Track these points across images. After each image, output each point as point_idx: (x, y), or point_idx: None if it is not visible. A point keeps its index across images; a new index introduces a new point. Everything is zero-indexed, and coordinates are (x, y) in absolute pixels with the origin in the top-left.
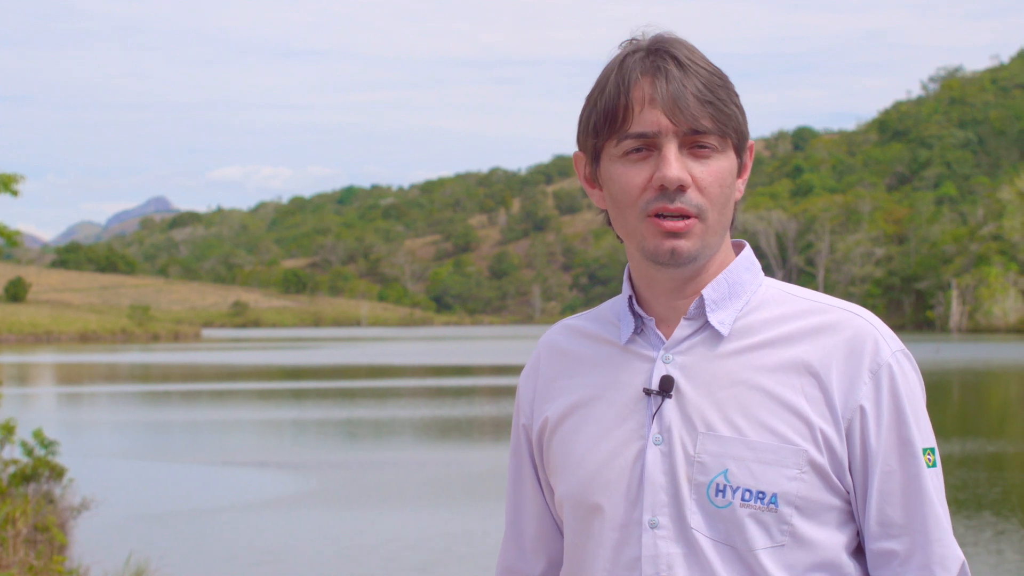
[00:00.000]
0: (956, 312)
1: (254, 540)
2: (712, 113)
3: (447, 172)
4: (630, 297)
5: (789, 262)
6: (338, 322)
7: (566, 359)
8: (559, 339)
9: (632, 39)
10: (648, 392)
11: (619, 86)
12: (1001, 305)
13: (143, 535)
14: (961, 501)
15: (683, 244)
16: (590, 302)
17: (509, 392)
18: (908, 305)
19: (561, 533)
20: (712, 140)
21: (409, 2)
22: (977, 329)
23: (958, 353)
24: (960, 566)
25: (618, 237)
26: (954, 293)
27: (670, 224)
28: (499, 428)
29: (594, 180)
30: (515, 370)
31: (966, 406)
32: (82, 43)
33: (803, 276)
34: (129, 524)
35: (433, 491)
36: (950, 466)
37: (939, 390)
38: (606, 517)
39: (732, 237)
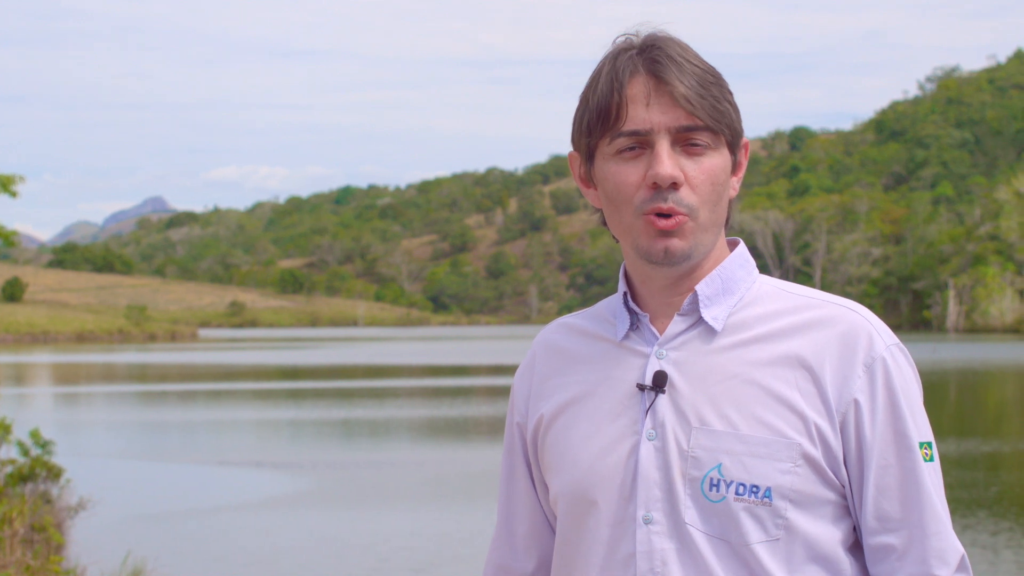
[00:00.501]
0: (953, 312)
1: (251, 540)
2: (705, 110)
3: (444, 172)
4: (625, 294)
5: (786, 262)
6: (335, 322)
7: (561, 357)
8: (554, 337)
9: (625, 38)
10: (641, 387)
11: (611, 84)
12: (998, 305)
13: (140, 535)
14: (957, 501)
15: (676, 243)
16: (587, 302)
17: (506, 392)
18: (905, 305)
19: (553, 531)
20: (705, 137)
21: (406, 2)
22: (974, 329)
23: (955, 353)
24: (959, 559)
25: (613, 236)
26: (951, 293)
27: (663, 223)
28: (496, 428)
29: (589, 179)
30: (512, 370)
31: (963, 406)
32: (80, 43)
33: (800, 276)
34: (126, 524)
35: (430, 491)
36: (946, 466)
37: (936, 390)
38: (600, 513)
39: (728, 236)
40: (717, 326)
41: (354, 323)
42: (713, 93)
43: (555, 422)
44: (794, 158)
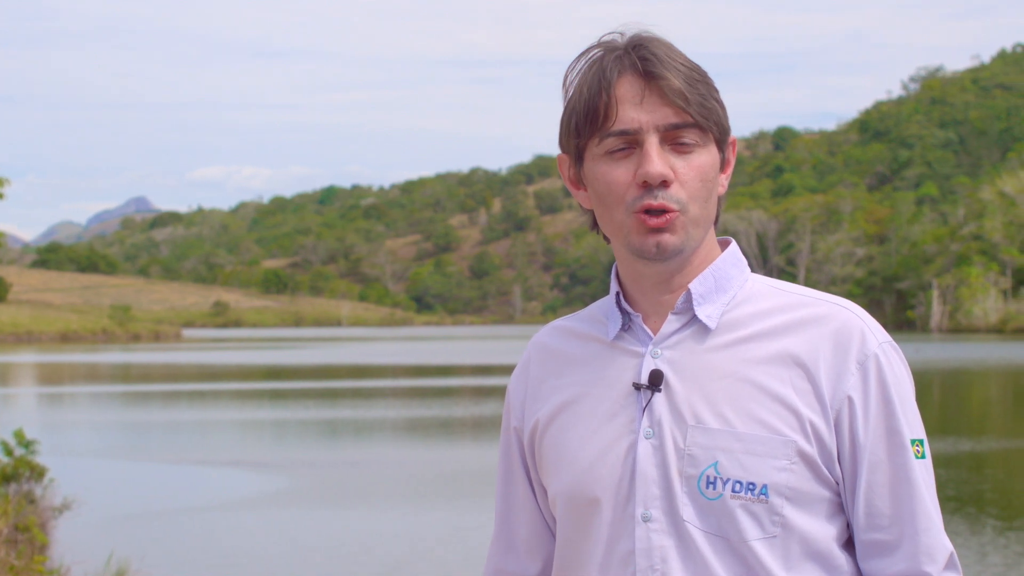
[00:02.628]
0: (937, 312)
1: (235, 540)
2: (692, 108)
3: (428, 172)
4: (617, 294)
5: (770, 262)
6: (319, 322)
7: (556, 359)
8: (548, 340)
9: (610, 38)
10: (638, 386)
11: (599, 84)
12: (982, 305)
13: (124, 535)
14: (942, 500)
15: (667, 238)
16: (571, 302)
17: (490, 392)
18: (889, 305)
19: (554, 534)
20: (693, 135)
21: (391, 2)
22: (958, 329)
23: (939, 353)
24: (948, 556)
25: (604, 238)
26: (935, 293)
27: (654, 221)
28: (480, 428)
29: (579, 181)
30: (496, 370)
31: (946, 405)
32: (64, 43)
33: (784, 276)
34: (110, 524)
35: (413, 491)
36: (932, 465)
37: (920, 390)
38: (600, 512)
39: (716, 235)
40: (711, 324)
41: (338, 323)
42: (700, 91)
43: (552, 424)
44: (778, 158)
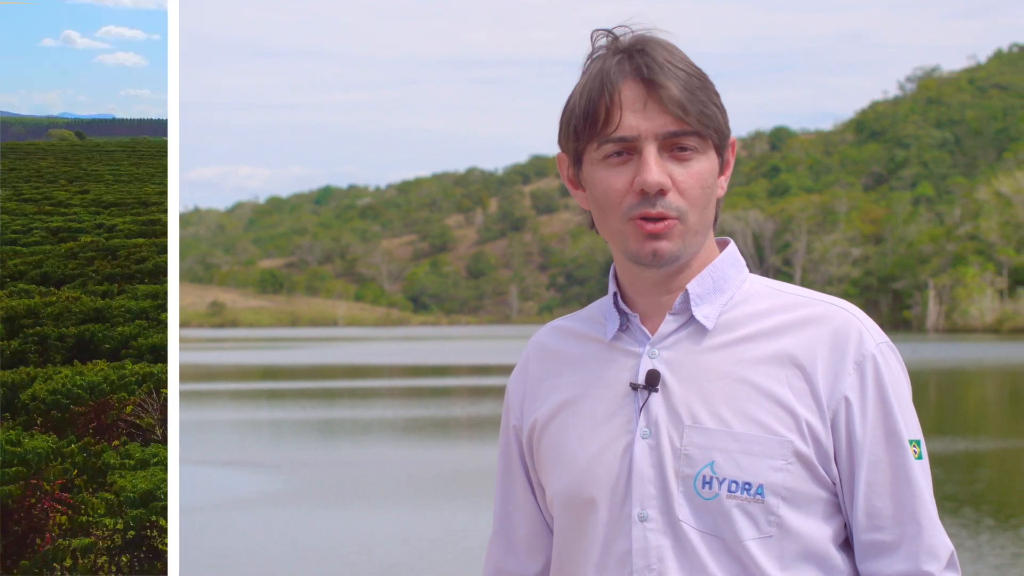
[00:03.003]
0: (933, 312)
1: (233, 540)
2: (692, 115)
3: (424, 172)
4: (615, 294)
5: (766, 262)
6: (315, 322)
7: (554, 359)
8: (547, 340)
9: (612, 38)
10: (635, 387)
11: (598, 89)
12: (978, 305)
13: None
14: (937, 499)
15: (664, 245)
16: (568, 302)
17: (487, 392)
18: (885, 305)
19: (552, 533)
20: (693, 142)
21: (388, 2)
22: (954, 329)
23: (935, 353)
24: (949, 555)
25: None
26: (931, 293)
27: (651, 227)
28: (477, 428)
29: (577, 182)
30: (493, 370)
31: (943, 405)
32: None
33: (780, 276)
34: None
35: (409, 492)
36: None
37: (916, 389)
38: (597, 512)
39: (715, 236)
40: (708, 324)
41: (334, 323)
42: (700, 98)
43: (550, 424)
44: (774, 158)
